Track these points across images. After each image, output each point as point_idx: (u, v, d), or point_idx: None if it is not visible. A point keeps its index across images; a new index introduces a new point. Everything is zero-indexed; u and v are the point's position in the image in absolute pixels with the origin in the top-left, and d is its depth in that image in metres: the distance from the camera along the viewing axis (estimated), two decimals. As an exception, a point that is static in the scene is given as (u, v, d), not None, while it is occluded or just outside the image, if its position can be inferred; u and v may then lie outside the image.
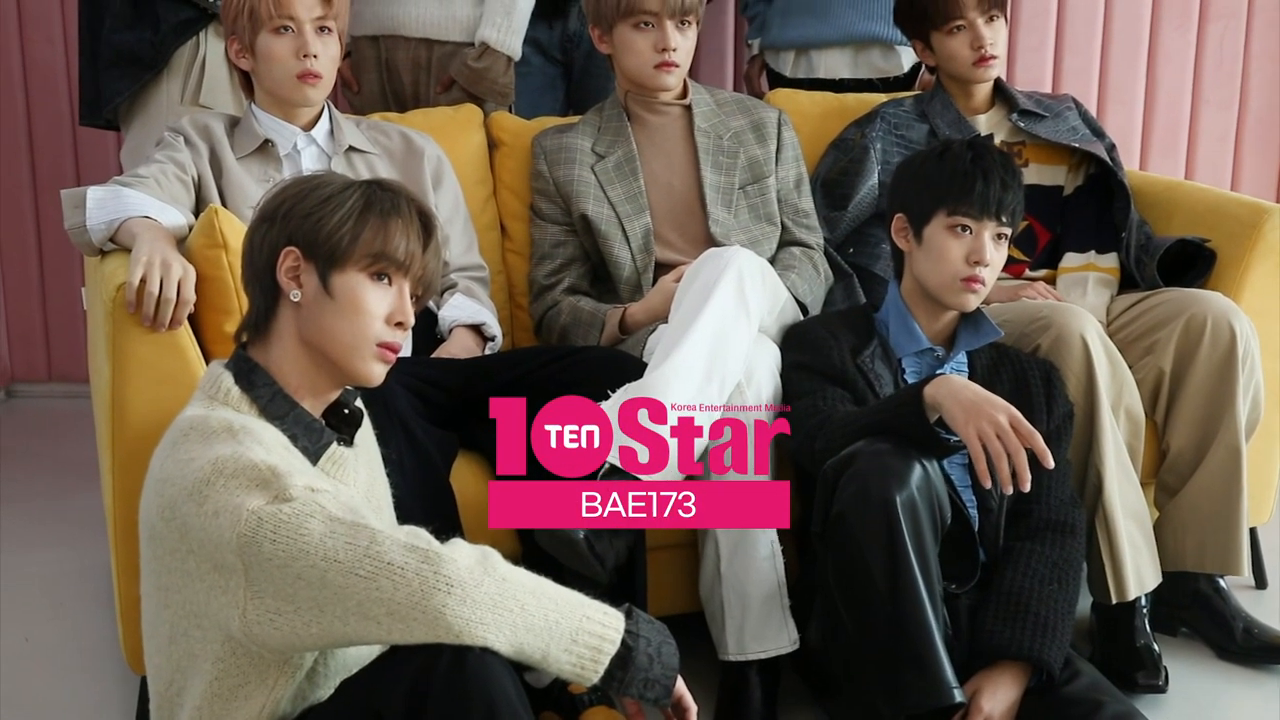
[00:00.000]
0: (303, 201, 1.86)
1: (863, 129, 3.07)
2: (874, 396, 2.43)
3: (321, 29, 2.65)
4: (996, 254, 2.46)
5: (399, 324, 1.88)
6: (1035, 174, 3.02)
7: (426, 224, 1.91)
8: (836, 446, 2.27)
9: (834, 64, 3.48)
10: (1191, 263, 2.90)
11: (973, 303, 2.46)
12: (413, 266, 1.88)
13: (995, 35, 2.97)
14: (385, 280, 1.87)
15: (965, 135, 2.90)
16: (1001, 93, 3.09)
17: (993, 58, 2.97)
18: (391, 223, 1.86)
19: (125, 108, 3.16)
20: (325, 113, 2.77)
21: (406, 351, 2.58)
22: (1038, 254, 3.02)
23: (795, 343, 2.53)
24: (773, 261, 2.86)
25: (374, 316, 1.86)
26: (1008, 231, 2.47)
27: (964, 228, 2.44)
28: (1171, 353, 2.69)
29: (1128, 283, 2.95)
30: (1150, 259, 2.88)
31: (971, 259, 2.43)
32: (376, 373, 1.88)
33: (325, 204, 1.85)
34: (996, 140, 2.97)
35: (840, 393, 2.43)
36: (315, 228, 1.84)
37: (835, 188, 3.05)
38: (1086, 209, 3.02)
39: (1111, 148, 3.08)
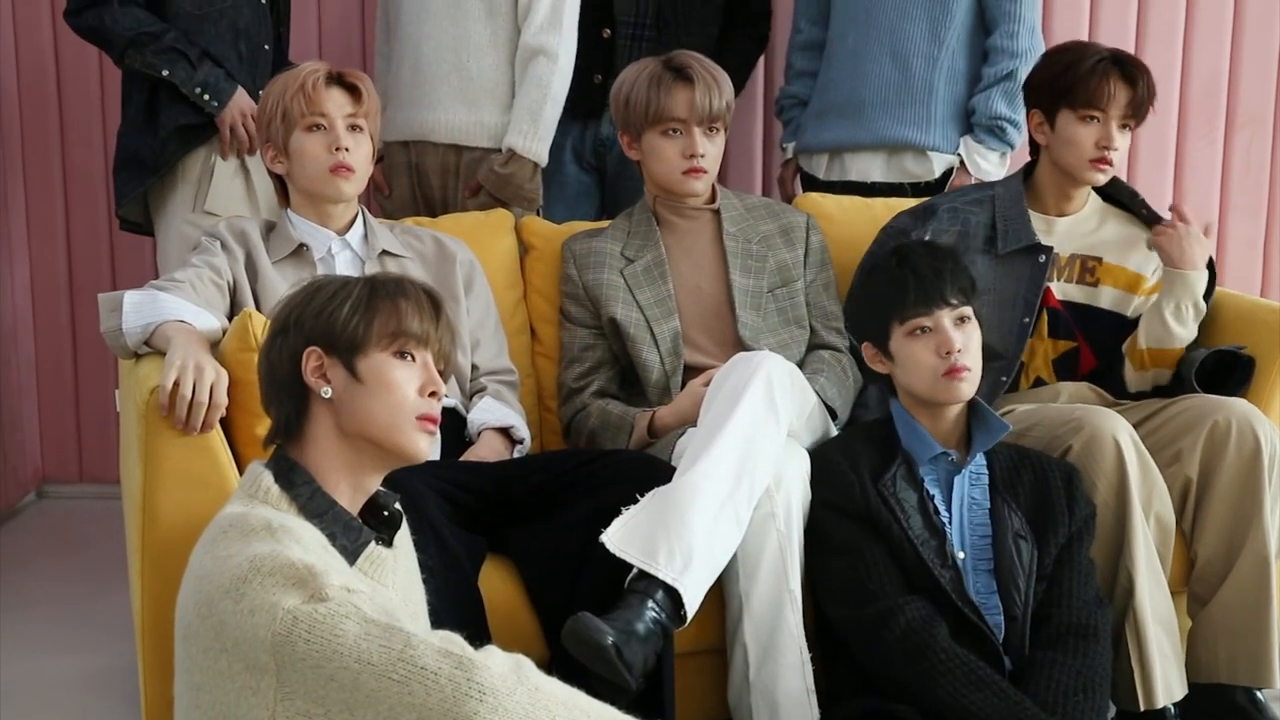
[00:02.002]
0: (311, 303, 1.90)
1: (918, 223, 3.00)
2: (898, 527, 2.42)
3: (353, 126, 2.71)
4: (964, 335, 2.46)
5: (432, 394, 1.91)
6: (1106, 297, 2.95)
7: (434, 301, 1.95)
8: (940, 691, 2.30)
9: (866, 167, 3.50)
10: (1229, 370, 2.87)
11: (967, 391, 2.46)
12: (430, 340, 1.92)
13: (1122, 143, 2.87)
14: (408, 357, 1.91)
15: (1024, 239, 2.87)
16: (1103, 195, 3.00)
17: (1110, 164, 2.87)
18: (400, 303, 1.91)
19: (155, 211, 3.23)
20: (359, 217, 2.80)
21: (435, 455, 2.58)
22: (1078, 377, 2.97)
23: (820, 475, 2.52)
24: (801, 365, 2.86)
25: (406, 391, 1.89)
26: (966, 310, 2.48)
27: (921, 329, 2.45)
28: (1197, 460, 2.66)
29: (1155, 391, 2.93)
30: (1187, 371, 2.84)
31: (942, 352, 2.44)
32: (422, 445, 1.91)
33: (333, 299, 1.90)
34: (1068, 253, 2.92)
35: (877, 549, 2.42)
36: (330, 323, 1.88)
37: None
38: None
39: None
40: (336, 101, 2.70)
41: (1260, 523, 2.63)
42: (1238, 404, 2.70)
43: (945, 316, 2.46)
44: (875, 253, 2.88)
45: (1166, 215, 2.91)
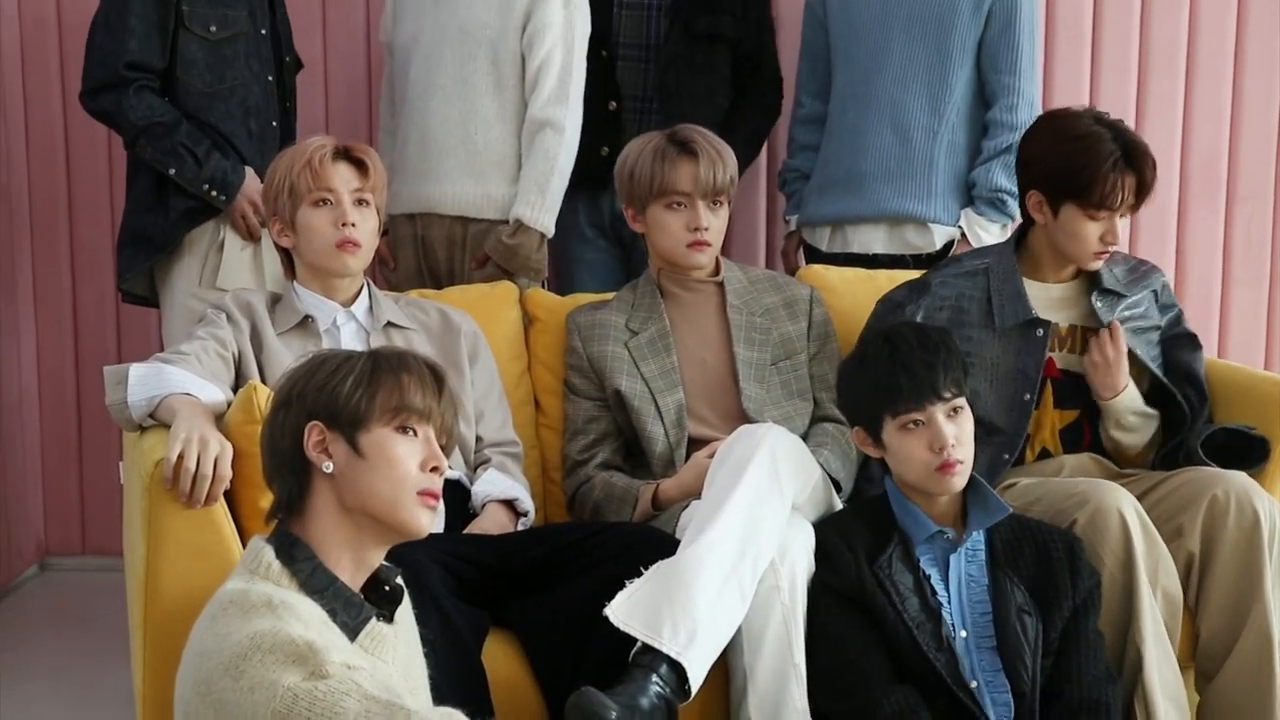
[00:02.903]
0: (313, 378, 1.91)
1: (913, 297, 2.96)
2: (892, 611, 2.40)
3: (359, 201, 2.72)
4: (957, 427, 2.43)
5: (434, 469, 1.91)
6: None
7: (436, 375, 1.95)
8: None
9: (868, 239, 3.51)
10: (1244, 447, 2.82)
11: (958, 484, 2.44)
12: (433, 415, 1.92)
13: (1121, 229, 2.81)
14: (411, 432, 1.91)
15: (1021, 315, 2.83)
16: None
17: (1111, 253, 2.84)
18: (403, 377, 1.91)
19: (161, 284, 3.25)
20: (364, 289, 2.82)
21: (439, 527, 2.58)
22: (1083, 447, 2.94)
23: (816, 554, 2.49)
24: (805, 438, 2.86)
25: (408, 466, 1.89)
26: (959, 403, 2.45)
27: (915, 423, 2.44)
28: (1198, 535, 2.64)
29: (1160, 462, 2.91)
30: (1194, 443, 2.81)
31: (935, 447, 2.42)
32: (423, 520, 1.91)
33: (335, 374, 1.90)
34: (1065, 324, 2.89)
35: (865, 638, 2.40)
36: (332, 397, 1.89)
37: None
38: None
39: (1179, 318, 2.98)
40: (343, 176, 2.72)
41: (1262, 598, 2.60)
42: (1236, 478, 2.68)
43: (938, 411, 2.43)
44: (864, 337, 2.79)
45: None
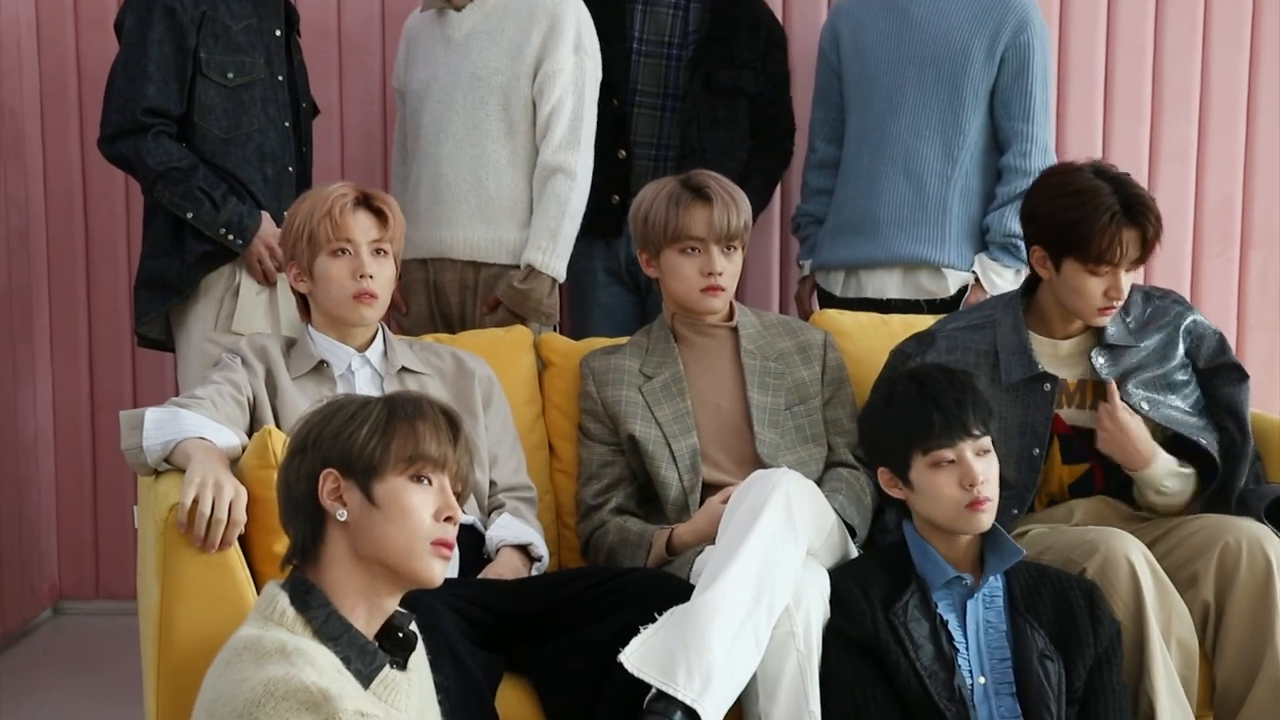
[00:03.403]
0: (329, 424, 1.90)
1: (920, 349, 2.95)
2: (905, 660, 2.39)
3: (378, 251, 2.73)
4: (986, 467, 2.44)
5: (448, 519, 1.90)
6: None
7: (452, 421, 1.95)
8: None
9: (882, 284, 3.51)
10: None
11: (985, 522, 2.44)
12: (448, 464, 1.92)
13: (1128, 283, 2.78)
14: (425, 481, 1.91)
15: (1026, 370, 2.81)
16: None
17: (1116, 308, 2.80)
18: (419, 425, 1.91)
19: (177, 328, 3.27)
20: (379, 334, 2.83)
21: (454, 572, 2.58)
22: (1095, 493, 2.92)
23: (831, 601, 2.49)
24: (819, 482, 2.85)
25: (422, 516, 1.89)
26: (986, 443, 2.46)
27: (945, 461, 2.44)
28: (1212, 583, 2.62)
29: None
30: (1257, 504, 2.76)
31: (966, 484, 2.42)
32: (437, 570, 1.91)
33: (351, 421, 1.90)
34: (1073, 380, 2.86)
35: (874, 691, 2.38)
36: (347, 445, 1.88)
37: None
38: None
39: (1221, 347, 2.91)
40: (363, 226, 2.73)
41: (1274, 645, 2.58)
42: (1247, 525, 2.66)
43: (968, 448, 2.44)
44: (889, 377, 2.76)
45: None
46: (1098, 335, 2.87)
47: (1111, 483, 2.89)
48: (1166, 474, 2.80)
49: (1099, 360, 2.85)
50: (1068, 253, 2.76)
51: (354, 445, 1.89)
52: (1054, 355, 2.88)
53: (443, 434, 1.92)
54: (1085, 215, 2.72)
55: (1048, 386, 2.81)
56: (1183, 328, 2.91)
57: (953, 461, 2.44)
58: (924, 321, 3.21)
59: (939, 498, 2.44)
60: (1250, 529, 2.64)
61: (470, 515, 2.74)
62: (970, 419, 2.44)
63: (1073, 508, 2.88)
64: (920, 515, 2.51)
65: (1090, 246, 2.72)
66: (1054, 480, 2.89)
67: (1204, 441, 2.81)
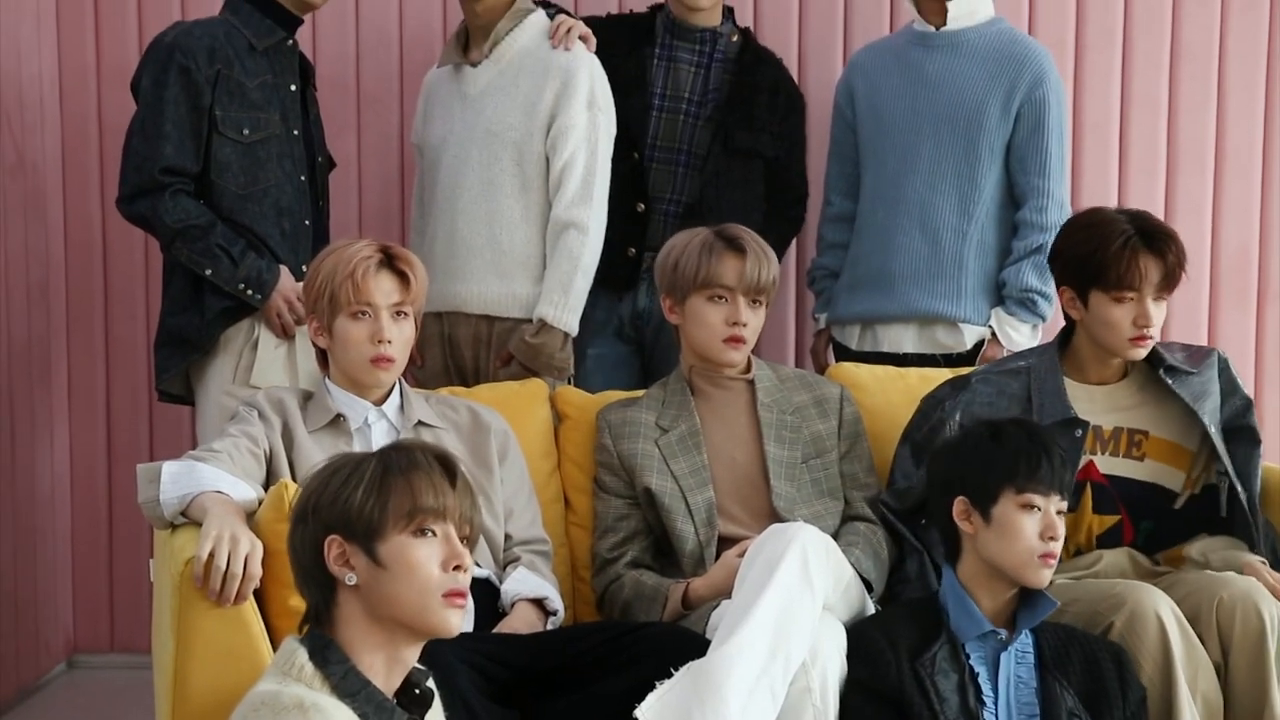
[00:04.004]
0: (326, 490, 1.91)
1: (954, 394, 2.95)
2: (929, 712, 2.38)
3: (398, 313, 2.74)
4: (1062, 528, 2.45)
5: (457, 567, 1.90)
6: (1150, 471, 2.88)
7: (448, 467, 1.94)
8: None
9: (898, 338, 3.51)
10: None
11: (1048, 577, 2.45)
12: (449, 510, 1.91)
13: (1159, 315, 2.80)
14: (429, 533, 1.90)
15: (1059, 413, 2.80)
16: (1140, 362, 2.88)
17: (1150, 338, 2.80)
18: (414, 478, 1.90)
19: (196, 382, 3.28)
20: (396, 388, 2.83)
21: (469, 626, 2.57)
22: (1122, 545, 2.90)
23: (855, 651, 2.47)
24: (835, 537, 2.84)
25: (429, 571, 1.89)
26: (1064, 507, 2.47)
27: (1034, 506, 2.44)
28: (1216, 641, 2.60)
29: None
30: None
31: (1046, 534, 2.43)
32: (453, 621, 1.90)
33: (346, 484, 1.90)
34: (1111, 425, 2.87)
35: None
36: (345, 509, 1.88)
37: (917, 450, 2.98)
38: (1197, 517, 2.88)
39: (1246, 408, 2.91)
40: (384, 290, 2.73)
41: (1272, 703, 2.55)
42: (1240, 581, 2.64)
43: (1054, 504, 2.46)
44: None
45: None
46: (1144, 375, 2.88)
47: (1140, 536, 2.88)
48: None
49: (1169, 380, 2.86)
50: (1091, 284, 2.81)
51: (352, 509, 1.88)
52: (1089, 401, 2.88)
53: (440, 482, 1.92)
54: (1102, 243, 2.79)
55: (1079, 433, 2.80)
56: (1220, 368, 2.92)
57: (1038, 510, 2.45)
58: (940, 375, 3.21)
59: (1017, 538, 2.44)
60: (1241, 587, 2.62)
61: (485, 569, 2.73)
62: (1069, 480, 2.48)
63: (1099, 556, 2.86)
64: (981, 555, 2.49)
65: (1109, 272, 2.77)
66: (1083, 531, 2.87)
67: (1241, 490, 2.81)
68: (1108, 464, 2.87)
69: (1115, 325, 2.81)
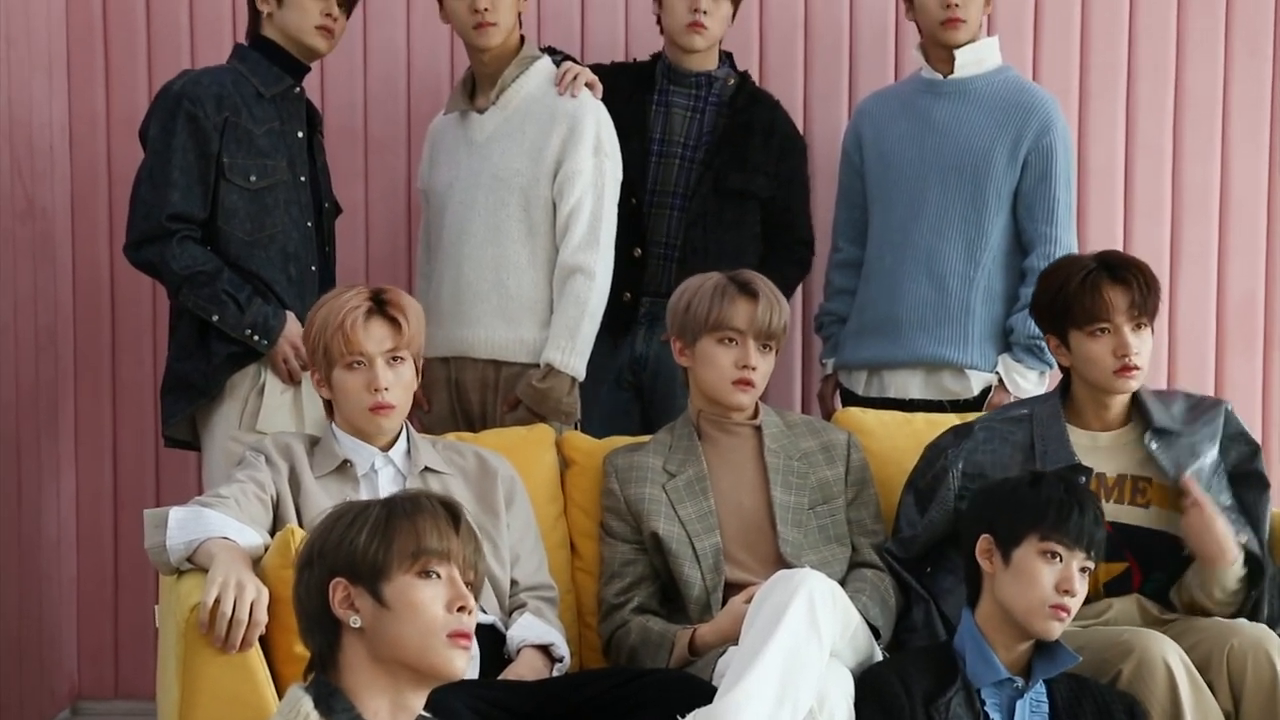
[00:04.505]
0: (331, 534, 1.91)
1: (957, 442, 2.97)
2: None
3: (393, 359, 2.74)
4: (1081, 586, 2.44)
5: (461, 609, 1.90)
6: (1156, 518, 2.86)
7: (452, 512, 1.95)
8: None
9: (904, 384, 3.51)
10: None
11: (1057, 631, 2.43)
12: (453, 554, 1.92)
13: (1141, 344, 2.81)
14: (433, 575, 1.90)
15: (1062, 460, 2.80)
16: (1140, 409, 2.90)
17: (1136, 368, 2.80)
18: (418, 520, 1.91)
19: (202, 427, 3.28)
20: (403, 433, 2.83)
21: (474, 673, 2.56)
22: (1131, 592, 2.89)
23: (869, 694, 2.47)
24: (842, 583, 2.84)
25: (434, 611, 1.88)
26: (1090, 567, 2.47)
27: (1055, 554, 2.43)
28: (1227, 689, 2.58)
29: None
30: None
31: (1061, 587, 2.42)
32: (457, 663, 1.89)
33: (351, 527, 1.91)
34: (1113, 474, 2.86)
35: None
36: (350, 551, 1.89)
37: (921, 498, 2.99)
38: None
39: (1253, 454, 2.91)
40: (376, 338, 2.74)
41: None
42: (1249, 628, 2.63)
43: (1078, 560, 2.46)
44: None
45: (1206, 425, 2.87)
46: (1143, 423, 2.88)
47: (1149, 582, 2.87)
48: (1238, 574, 2.76)
49: (1153, 445, 2.85)
50: (1066, 325, 2.85)
51: (356, 550, 1.89)
52: (1092, 448, 2.89)
53: (444, 525, 1.92)
54: (1065, 281, 2.85)
55: (1083, 479, 2.79)
56: (1222, 424, 2.91)
57: (1060, 561, 2.44)
58: (947, 421, 3.21)
59: (1032, 585, 2.44)
60: (1251, 634, 2.61)
61: (491, 615, 2.73)
62: (1098, 539, 2.47)
63: (1105, 606, 2.85)
64: (997, 598, 2.49)
65: (1076, 307, 2.81)
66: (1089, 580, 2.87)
67: (1246, 540, 2.80)
68: (1113, 511, 2.86)
69: (1096, 360, 2.82)
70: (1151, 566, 2.86)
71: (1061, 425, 2.88)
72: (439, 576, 1.91)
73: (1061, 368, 2.96)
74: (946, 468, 2.94)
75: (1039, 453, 2.87)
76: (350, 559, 1.89)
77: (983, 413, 3.23)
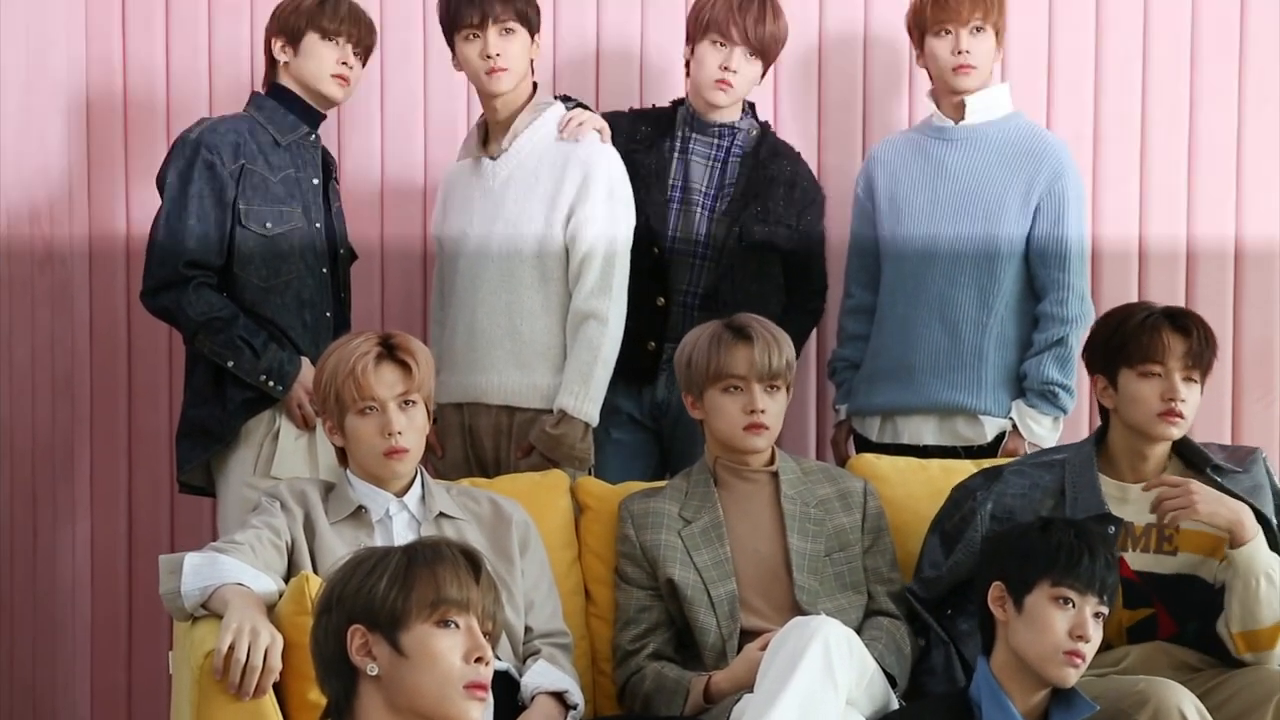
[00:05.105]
0: (350, 581, 1.91)
1: (986, 484, 2.96)
2: None
3: (405, 403, 2.75)
4: (1095, 632, 2.42)
5: (478, 659, 1.89)
6: (1182, 563, 2.84)
7: (473, 561, 1.94)
8: None
9: (918, 430, 3.51)
10: None
11: (1072, 678, 2.42)
12: (472, 604, 1.91)
13: (1190, 394, 2.81)
14: (451, 625, 1.90)
15: (1094, 508, 2.80)
16: (1182, 457, 2.90)
17: (1180, 416, 2.80)
18: (439, 569, 1.91)
19: (217, 473, 3.29)
20: (418, 478, 2.83)
21: (488, 720, 2.56)
22: (1156, 638, 2.87)
23: None
24: (858, 631, 2.83)
25: (451, 661, 1.88)
26: (1104, 611, 2.45)
27: (1068, 600, 2.42)
28: None
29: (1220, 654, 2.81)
30: None
31: (1075, 633, 2.41)
32: (473, 714, 1.89)
33: (371, 574, 1.91)
34: (1142, 523, 2.84)
35: None
36: (369, 598, 1.89)
37: (946, 539, 2.98)
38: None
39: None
40: (387, 382, 2.74)
41: None
42: None
43: (1091, 605, 2.45)
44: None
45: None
46: (1175, 473, 2.87)
47: (1185, 632, 2.84)
48: (1270, 555, 2.72)
49: (1218, 479, 2.83)
50: (1118, 363, 2.86)
51: (376, 598, 1.89)
52: (1122, 499, 2.88)
53: (464, 575, 1.92)
54: (1124, 321, 2.89)
55: (1112, 529, 2.77)
56: (1262, 467, 2.92)
57: (1073, 605, 2.44)
58: (962, 466, 3.20)
59: (1045, 632, 2.43)
60: None
61: (505, 662, 2.72)
62: (1109, 584, 2.46)
63: (1123, 654, 2.84)
64: (1010, 645, 2.48)
65: (1132, 346, 2.83)
66: (1112, 624, 2.84)
67: None
68: (1139, 560, 2.85)
69: (1143, 401, 2.82)
70: (1186, 615, 2.84)
71: (1094, 474, 2.88)
72: (457, 626, 1.90)
73: (1102, 413, 2.96)
74: (975, 509, 2.94)
75: (1069, 499, 2.86)
76: (369, 607, 1.89)
77: (999, 458, 3.23)
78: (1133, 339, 2.84)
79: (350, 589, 1.91)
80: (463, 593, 1.91)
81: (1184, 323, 2.85)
